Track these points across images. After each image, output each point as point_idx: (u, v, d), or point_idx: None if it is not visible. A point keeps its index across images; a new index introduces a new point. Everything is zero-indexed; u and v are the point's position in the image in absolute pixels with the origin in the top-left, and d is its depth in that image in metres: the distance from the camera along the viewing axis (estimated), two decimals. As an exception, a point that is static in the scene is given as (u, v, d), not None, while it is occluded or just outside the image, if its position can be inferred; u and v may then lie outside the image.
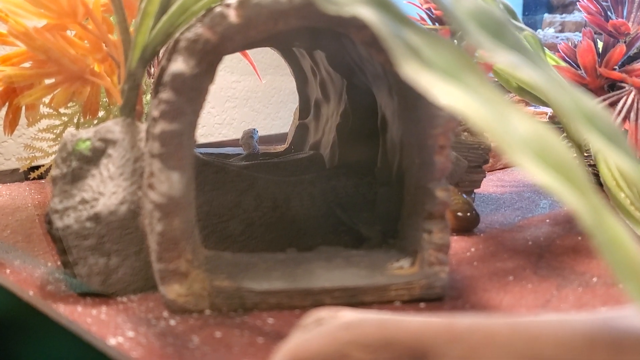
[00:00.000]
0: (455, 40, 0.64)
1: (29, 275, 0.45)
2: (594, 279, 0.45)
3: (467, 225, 0.58)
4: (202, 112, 0.40)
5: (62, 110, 0.64)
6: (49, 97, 0.57)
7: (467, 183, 0.66)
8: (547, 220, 0.62)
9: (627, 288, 0.20)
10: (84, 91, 0.55)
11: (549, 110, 0.71)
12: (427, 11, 0.68)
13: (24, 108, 0.61)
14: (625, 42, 0.63)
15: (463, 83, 0.24)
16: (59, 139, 0.66)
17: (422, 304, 0.41)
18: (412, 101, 0.42)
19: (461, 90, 0.23)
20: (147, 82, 0.68)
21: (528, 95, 0.65)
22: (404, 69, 0.24)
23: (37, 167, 0.72)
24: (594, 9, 0.64)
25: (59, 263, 0.44)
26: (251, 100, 1.19)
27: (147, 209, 0.38)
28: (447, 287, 0.41)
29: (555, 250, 0.53)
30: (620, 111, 0.61)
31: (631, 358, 0.20)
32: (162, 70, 0.40)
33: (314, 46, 0.56)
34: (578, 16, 1.48)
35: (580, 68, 0.65)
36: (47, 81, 0.55)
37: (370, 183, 0.56)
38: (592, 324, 0.21)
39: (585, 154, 0.63)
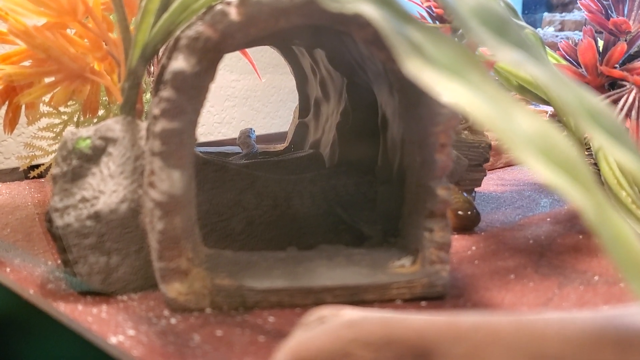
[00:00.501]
0: (455, 39, 0.64)
1: (29, 274, 0.45)
2: (596, 278, 0.45)
3: (468, 224, 0.58)
4: (202, 111, 0.40)
5: (62, 109, 0.64)
6: (49, 95, 0.57)
7: (468, 182, 0.66)
8: (548, 219, 0.62)
9: (631, 285, 0.20)
10: (84, 90, 0.55)
11: (550, 109, 0.71)
12: (428, 9, 0.68)
13: (23, 107, 0.60)
14: (626, 40, 0.63)
15: (466, 80, 0.24)
16: (58, 137, 0.66)
17: (423, 303, 0.41)
18: (413, 99, 0.42)
19: (465, 88, 0.23)
20: (147, 81, 0.68)
21: (529, 94, 0.65)
22: (406, 66, 0.24)
23: (37, 166, 0.72)
24: (595, 7, 0.64)
25: (59, 262, 0.44)
26: (251, 99, 1.19)
27: (148, 208, 0.38)
28: (448, 286, 0.41)
29: (557, 248, 0.53)
30: (621, 109, 0.61)
31: (637, 356, 0.20)
32: (163, 69, 0.39)
33: (314, 45, 0.56)
34: (578, 15, 1.48)
35: (581, 66, 0.65)
36: (47, 80, 0.55)
37: (370, 182, 0.56)
38: (597, 322, 0.21)
39: (586, 153, 0.63)
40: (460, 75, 0.24)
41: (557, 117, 0.65)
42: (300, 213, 0.54)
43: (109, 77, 0.55)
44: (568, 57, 0.66)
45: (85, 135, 0.43)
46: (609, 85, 0.65)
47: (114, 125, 0.43)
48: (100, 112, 0.62)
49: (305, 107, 0.74)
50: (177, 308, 0.38)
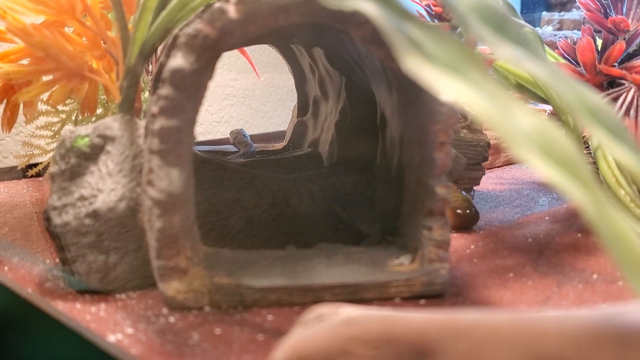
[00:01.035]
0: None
1: (27, 273, 0.45)
2: (594, 276, 0.45)
3: (467, 223, 0.58)
4: (200, 110, 0.40)
5: (60, 108, 0.64)
6: (47, 94, 0.57)
7: (467, 180, 0.66)
8: (547, 218, 0.62)
9: (631, 283, 0.20)
10: (82, 88, 0.55)
11: (549, 108, 0.71)
12: (427, 8, 0.68)
13: (21, 105, 0.60)
14: (624, 39, 0.63)
15: (466, 77, 0.23)
16: (56, 136, 0.65)
17: (422, 301, 0.41)
18: (412, 97, 0.42)
19: (464, 85, 0.23)
20: (146, 79, 0.68)
21: (527, 93, 0.65)
22: (405, 63, 0.24)
23: (35, 165, 0.72)
24: (594, 6, 0.64)
25: (57, 260, 0.43)
26: (249, 98, 1.19)
27: (146, 206, 0.38)
28: (447, 284, 0.41)
29: (555, 247, 0.53)
30: (620, 108, 0.61)
31: (636, 353, 0.20)
32: (161, 67, 0.39)
33: (313, 43, 0.56)
34: (576, 14, 1.48)
35: (579, 65, 0.65)
36: (45, 78, 0.55)
37: (369, 180, 0.56)
38: (597, 319, 0.21)
39: (585, 151, 0.63)
40: (460, 72, 0.24)
41: (556, 116, 0.64)
42: (299, 212, 0.54)
43: (107, 76, 0.55)
44: (567, 56, 0.66)
45: (84, 133, 0.43)
46: (607, 84, 0.65)
47: (113, 124, 0.43)
48: (99, 111, 0.62)
49: (303, 106, 0.73)
50: (176, 306, 0.38)
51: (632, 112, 0.60)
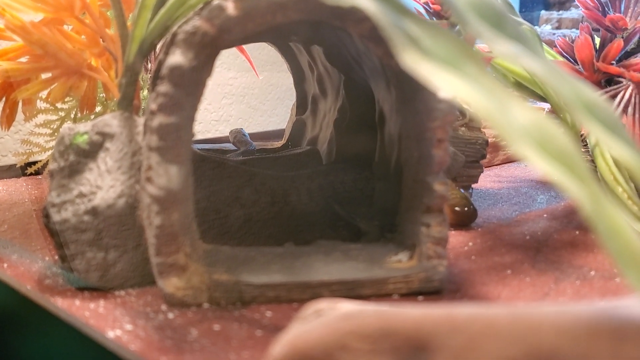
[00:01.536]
0: (453, 35, 0.64)
1: (27, 270, 0.45)
2: (592, 273, 0.45)
3: (465, 220, 0.58)
4: (199, 107, 0.40)
5: (59, 105, 0.64)
6: (46, 91, 0.57)
7: (465, 178, 0.66)
8: (545, 215, 0.62)
9: (628, 277, 0.20)
10: (81, 86, 0.55)
11: (547, 106, 0.71)
12: (425, 5, 0.68)
13: (20, 103, 0.60)
14: (622, 37, 0.63)
15: (463, 73, 0.24)
16: (55, 134, 0.65)
17: (420, 297, 0.41)
18: (410, 94, 0.42)
19: (462, 80, 0.23)
20: (144, 77, 0.68)
21: (525, 91, 0.65)
22: (403, 59, 0.24)
23: (34, 163, 0.72)
24: (592, 4, 0.64)
25: (56, 257, 0.44)
26: (248, 96, 1.19)
27: (145, 203, 0.38)
28: (445, 281, 0.41)
29: (553, 244, 0.53)
30: (618, 105, 0.61)
31: (633, 346, 0.20)
32: (160, 64, 0.39)
33: (312, 41, 0.56)
34: (575, 13, 1.48)
35: (577, 63, 0.65)
36: (44, 76, 0.55)
37: (368, 178, 0.56)
38: (593, 313, 0.21)
39: (583, 149, 0.63)
40: (458, 68, 0.24)
41: (554, 114, 0.65)
42: (298, 209, 0.54)
43: (106, 73, 0.55)
44: (565, 54, 0.66)
45: (83, 130, 0.43)
46: (605, 82, 0.65)
47: (112, 121, 0.43)
48: (98, 109, 0.62)
49: (302, 104, 0.74)
50: (175, 303, 0.38)
51: (629, 109, 0.60)
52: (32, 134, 0.67)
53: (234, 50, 0.73)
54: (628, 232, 0.21)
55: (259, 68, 1.17)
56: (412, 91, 0.41)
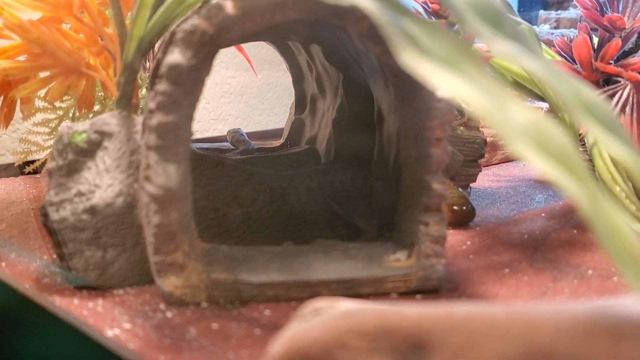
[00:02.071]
0: (451, 35, 0.64)
1: (25, 269, 0.45)
2: (589, 272, 0.45)
3: (463, 219, 0.58)
4: (198, 106, 0.40)
5: (57, 104, 0.64)
6: (44, 90, 0.57)
7: (463, 177, 0.66)
8: (543, 214, 0.63)
9: (625, 276, 0.20)
10: (79, 84, 0.55)
11: (545, 105, 0.71)
12: (424, 5, 0.68)
13: (19, 102, 0.60)
14: (620, 36, 0.63)
15: (462, 72, 0.24)
16: (54, 132, 0.65)
17: (418, 296, 0.41)
18: (409, 93, 0.42)
19: (460, 80, 0.23)
20: (143, 76, 0.68)
21: (524, 90, 0.65)
22: (402, 58, 0.24)
23: (32, 162, 0.72)
24: (590, 4, 0.64)
25: (54, 256, 0.44)
26: (246, 95, 1.18)
27: (144, 202, 0.38)
28: (443, 279, 0.41)
29: (551, 243, 0.53)
30: (615, 105, 0.61)
31: (630, 345, 0.20)
32: (159, 63, 0.39)
33: (310, 40, 0.56)
34: (573, 12, 1.48)
35: (576, 62, 0.65)
36: (43, 74, 0.55)
37: (366, 177, 0.56)
38: (590, 312, 0.21)
39: (581, 148, 0.64)
40: (456, 68, 0.24)
41: (553, 114, 0.65)
42: (297, 208, 0.54)
43: (104, 72, 0.55)
44: (563, 54, 0.66)
45: (81, 129, 0.43)
46: (603, 82, 0.65)
47: (110, 120, 0.43)
48: (96, 107, 0.62)
49: (301, 103, 0.74)
50: (174, 302, 0.38)
51: (627, 109, 0.60)
52: (30, 133, 0.66)
53: (232, 49, 0.72)
54: (626, 232, 0.21)
55: (258, 67, 1.16)
56: (410, 90, 0.41)
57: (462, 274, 0.45)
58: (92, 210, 0.40)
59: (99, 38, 0.53)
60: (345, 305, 0.27)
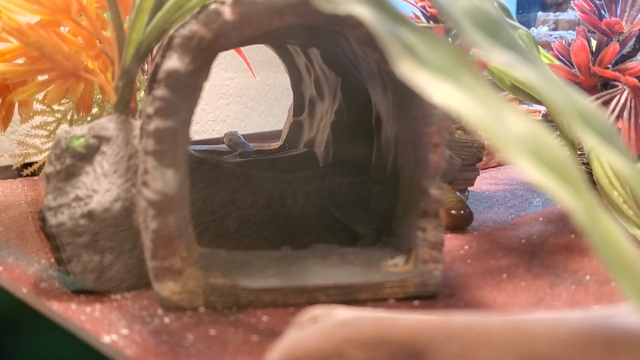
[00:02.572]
0: (449, 39, 0.64)
1: (23, 273, 0.45)
2: (587, 277, 0.46)
3: (461, 223, 0.58)
4: (196, 110, 0.40)
5: (55, 107, 0.64)
6: (43, 93, 0.57)
7: (461, 181, 0.66)
8: (541, 219, 0.63)
9: (621, 286, 0.20)
10: (77, 88, 0.55)
11: (543, 109, 0.71)
12: (422, 9, 0.68)
13: (17, 104, 0.60)
14: (618, 40, 0.63)
15: (459, 82, 0.24)
16: (52, 135, 0.65)
17: (416, 302, 0.41)
18: (407, 99, 0.42)
19: (457, 89, 0.23)
20: (141, 79, 0.68)
21: (522, 94, 0.65)
22: (399, 68, 0.24)
23: (30, 164, 0.72)
24: (588, 7, 0.64)
25: (52, 260, 0.44)
26: (245, 97, 1.18)
27: (141, 207, 0.38)
28: (441, 285, 0.41)
29: (549, 248, 0.53)
30: (613, 110, 0.61)
31: (626, 356, 0.20)
32: (157, 67, 0.39)
33: (309, 44, 0.56)
34: (572, 14, 1.48)
35: (573, 66, 0.65)
36: (41, 78, 0.55)
37: (364, 181, 0.56)
38: (587, 322, 0.21)
39: (579, 153, 0.64)
40: (453, 77, 0.24)
41: (550, 117, 0.65)
42: (295, 212, 0.54)
43: (102, 76, 0.55)
44: (561, 58, 0.66)
45: (79, 133, 0.43)
46: (601, 86, 0.65)
47: (108, 124, 0.43)
48: (94, 111, 0.62)
49: (299, 106, 0.74)
50: (171, 307, 0.38)
51: (625, 113, 0.61)
52: (29, 136, 0.66)
53: (231, 50, 0.73)
54: (622, 242, 0.21)
55: (256, 69, 1.17)
56: (408, 96, 0.41)
57: (459, 279, 0.45)
58: (89, 215, 0.40)
59: (97, 42, 0.53)
60: (343, 314, 0.27)
